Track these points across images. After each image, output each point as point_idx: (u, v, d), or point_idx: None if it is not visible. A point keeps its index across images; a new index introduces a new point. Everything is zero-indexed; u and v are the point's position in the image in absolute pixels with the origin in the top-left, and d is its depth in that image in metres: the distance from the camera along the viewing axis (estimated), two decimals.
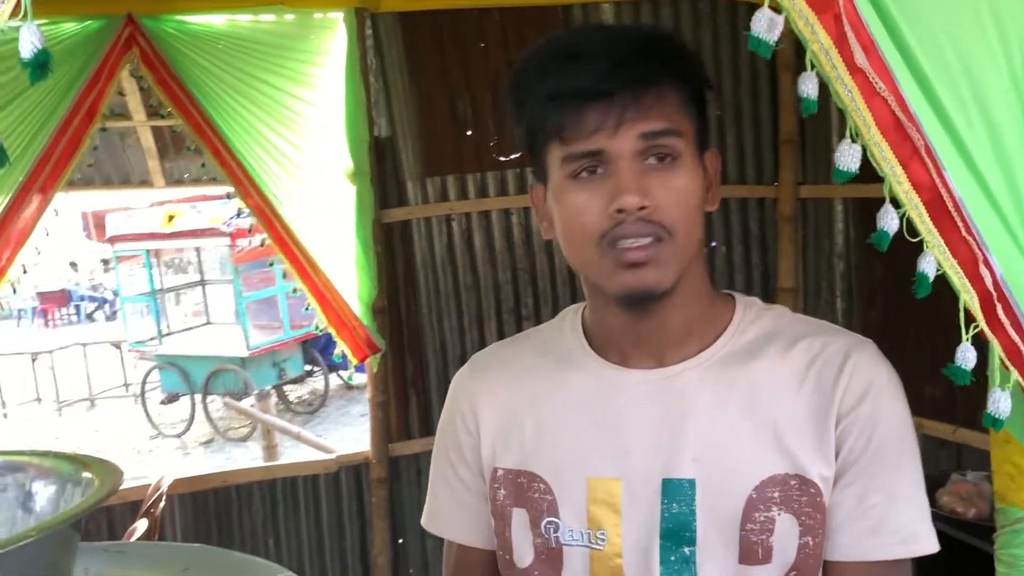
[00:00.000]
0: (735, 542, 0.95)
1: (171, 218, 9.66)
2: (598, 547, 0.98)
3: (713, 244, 3.42)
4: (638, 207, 0.90)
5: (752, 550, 0.95)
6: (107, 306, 19.06)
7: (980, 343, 0.94)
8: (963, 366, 0.91)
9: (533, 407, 1.05)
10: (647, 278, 0.92)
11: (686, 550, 0.96)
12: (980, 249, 0.90)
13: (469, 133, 3.33)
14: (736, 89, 3.27)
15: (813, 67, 0.83)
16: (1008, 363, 0.93)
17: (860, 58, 0.82)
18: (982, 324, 0.91)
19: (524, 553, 1.03)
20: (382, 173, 3.26)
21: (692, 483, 0.96)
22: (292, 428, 5.66)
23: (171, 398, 9.86)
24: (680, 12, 3.25)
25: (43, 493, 0.61)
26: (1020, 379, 0.93)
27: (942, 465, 2.82)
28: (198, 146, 3.08)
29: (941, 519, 2.37)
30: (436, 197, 3.35)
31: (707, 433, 0.96)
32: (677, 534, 0.96)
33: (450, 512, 1.13)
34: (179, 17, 2.94)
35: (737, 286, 3.42)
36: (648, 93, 0.90)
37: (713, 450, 0.96)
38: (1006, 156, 0.93)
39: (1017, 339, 0.92)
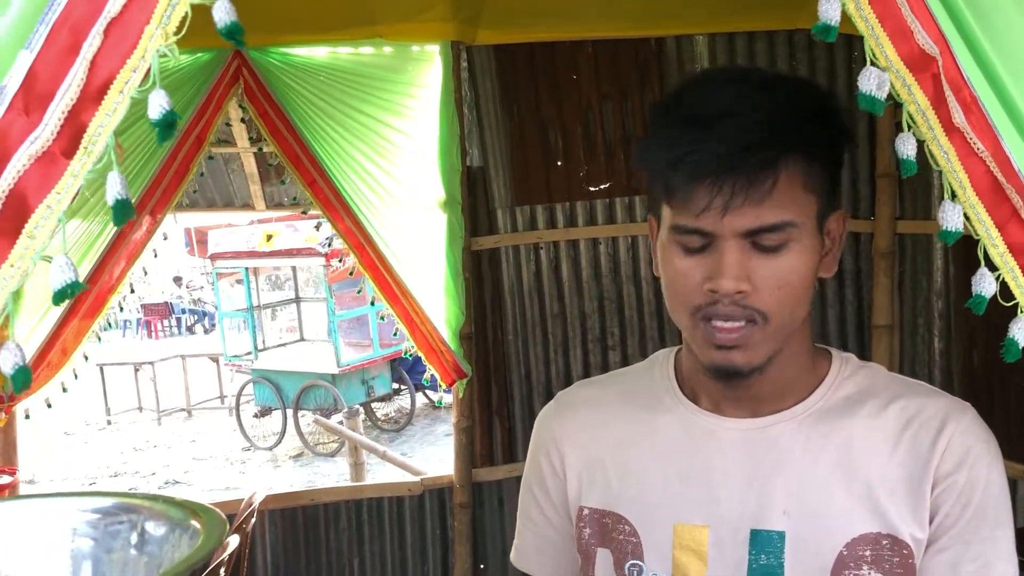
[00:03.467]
0: None
1: (269, 237, 9.98)
2: None
3: None
4: (733, 292, 0.89)
5: None
6: (207, 319, 19.76)
7: None
8: None
9: (619, 449, 1.05)
10: (735, 359, 0.92)
11: None
12: None
13: (559, 163, 3.36)
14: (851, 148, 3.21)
15: (910, 128, 0.82)
16: None
17: (959, 118, 0.81)
18: None
19: None
20: (473, 202, 3.32)
21: (782, 536, 0.95)
22: (378, 447, 5.75)
23: (264, 411, 10.13)
24: (775, 44, 3.22)
25: (154, 535, 0.65)
26: None
27: None
28: (291, 175, 3.19)
29: None
30: (525, 226, 3.39)
31: (799, 487, 0.96)
32: None
33: (534, 549, 1.15)
34: (283, 50, 3.07)
35: (830, 322, 3.35)
36: (765, 180, 0.87)
37: (805, 504, 0.95)
38: None
39: None
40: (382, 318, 3.39)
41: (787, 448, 0.98)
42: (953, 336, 3.13)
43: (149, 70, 0.71)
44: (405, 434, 9.90)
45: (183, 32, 0.70)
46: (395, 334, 3.37)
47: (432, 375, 3.36)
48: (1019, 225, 0.84)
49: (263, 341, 10.67)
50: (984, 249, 0.85)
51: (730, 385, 0.98)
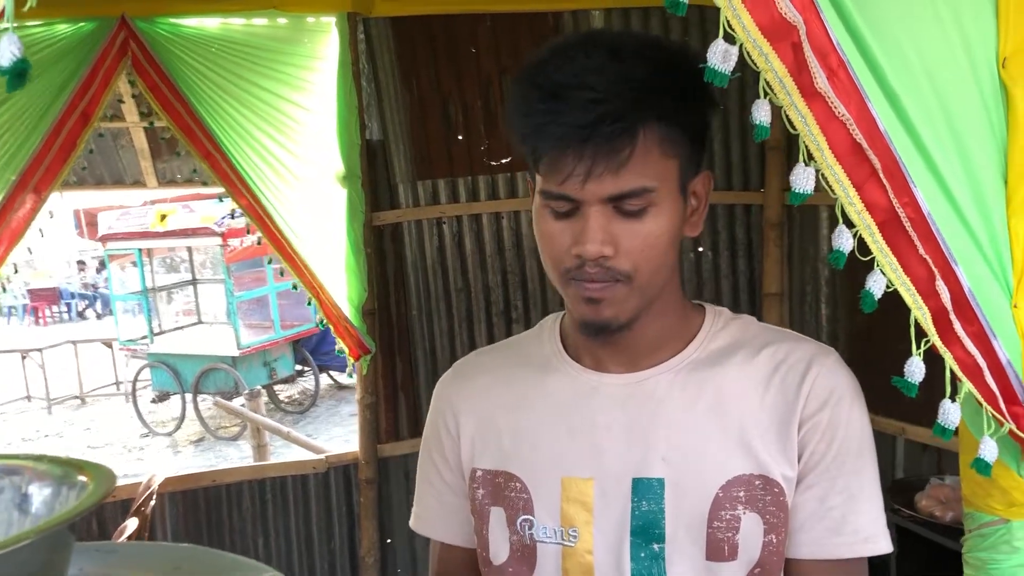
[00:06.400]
0: (703, 539, 0.99)
1: (163, 217, 9.66)
2: (570, 544, 1.02)
3: (699, 250, 3.46)
4: (596, 256, 0.93)
5: (719, 547, 0.99)
6: (98, 304, 19.03)
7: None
8: (910, 379, 0.94)
9: (512, 411, 1.09)
10: (603, 314, 0.97)
11: (655, 547, 0.99)
12: (941, 264, 0.93)
13: (460, 137, 3.36)
14: (723, 96, 3.30)
15: (766, 95, 0.85)
16: (960, 375, 0.97)
17: (822, 83, 0.84)
18: (934, 339, 0.94)
19: (500, 550, 1.07)
20: (373, 176, 3.29)
21: (661, 482, 0.99)
22: (282, 428, 5.68)
23: (162, 396, 9.87)
24: (669, 19, 3.28)
25: (38, 496, 0.63)
26: (974, 390, 0.96)
27: (923, 470, 2.87)
28: (188, 150, 3.10)
29: (920, 523, 2.40)
30: (427, 200, 3.38)
31: (676, 435, 1.00)
32: (647, 531, 1.00)
33: (435, 513, 1.17)
34: (172, 20, 2.96)
35: (723, 292, 3.46)
36: (623, 148, 0.90)
37: (682, 451, 1.00)
38: (972, 169, 0.96)
39: (975, 351, 0.95)
40: (295, 287, 3.33)
41: (665, 398, 1.02)
42: (838, 302, 3.27)
43: (3, 12, 0.67)
44: (310, 416, 9.78)
45: None
46: (309, 303, 3.31)
47: (342, 349, 3.32)
48: (876, 185, 0.89)
49: (159, 325, 10.36)
50: (842, 207, 0.90)
51: (602, 340, 1.02)
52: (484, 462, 1.09)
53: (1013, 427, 0.99)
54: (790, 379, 1.00)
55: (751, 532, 0.98)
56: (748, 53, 0.83)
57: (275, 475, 3.41)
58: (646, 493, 1.00)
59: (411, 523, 1.20)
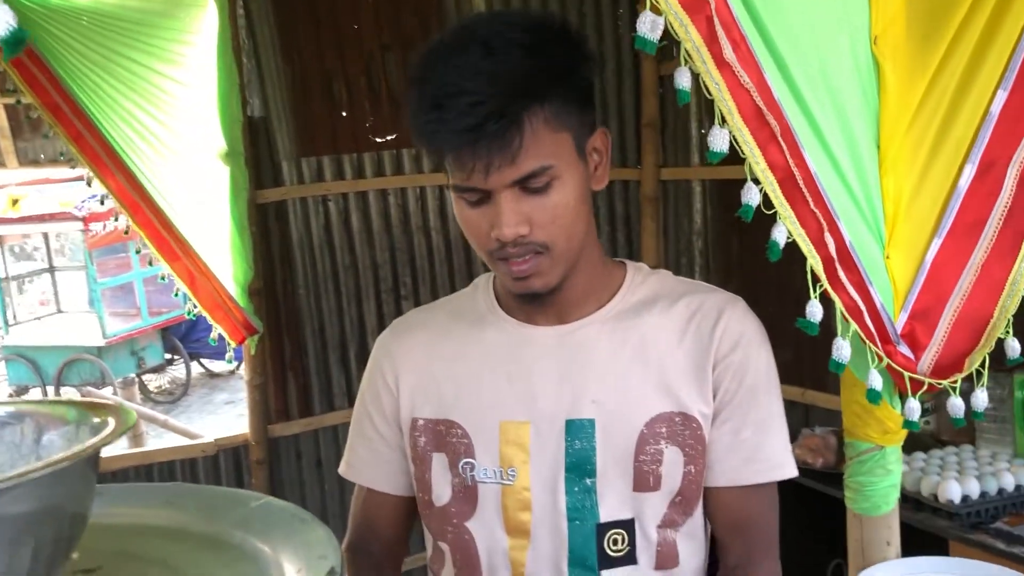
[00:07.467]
0: (630, 472, 1.09)
1: (15, 202, 9.12)
2: (509, 483, 1.10)
3: None
4: (514, 237, 1.01)
5: (644, 479, 1.09)
6: None
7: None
8: (811, 320, 1.06)
9: (451, 363, 1.16)
10: (533, 285, 1.06)
11: (588, 481, 1.09)
12: (827, 219, 1.04)
13: (344, 114, 3.35)
14: (600, 75, 3.41)
15: (686, 63, 0.94)
16: (848, 317, 1.09)
17: (728, 54, 0.94)
18: (825, 284, 1.06)
19: (442, 493, 1.14)
20: (256, 153, 3.25)
21: (592, 422, 1.09)
22: (159, 416, 5.53)
23: (20, 391, 9.36)
24: None
25: (49, 438, 0.64)
26: (859, 330, 1.08)
27: (793, 422, 3.07)
28: (53, 129, 2.96)
29: None
30: (312, 178, 3.36)
31: (604, 379, 1.10)
32: (580, 467, 1.09)
33: (366, 462, 1.23)
34: None
35: None
36: (512, 139, 0.97)
37: (610, 393, 1.09)
38: (851, 134, 1.08)
39: (857, 297, 1.07)
40: (163, 278, 3.23)
41: (593, 347, 1.12)
42: (712, 271, 3.46)
43: None
44: (181, 405, 9.48)
45: None
46: (176, 294, 3.23)
47: (220, 335, 3.25)
48: (776, 147, 1.00)
49: (14, 316, 9.81)
50: (749, 166, 1.00)
51: (536, 302, 1.12)
52: (425, 412, 1.16)
53: (889, 362, 1.11)
54: (704, 325, 1.11)
55: (673, 464, 1.09)
56: (670, 24, 0.91)
57: (163, 460, 3.33)
58: (578, 433, 1.09)
59: (341, 470, 1.26)
